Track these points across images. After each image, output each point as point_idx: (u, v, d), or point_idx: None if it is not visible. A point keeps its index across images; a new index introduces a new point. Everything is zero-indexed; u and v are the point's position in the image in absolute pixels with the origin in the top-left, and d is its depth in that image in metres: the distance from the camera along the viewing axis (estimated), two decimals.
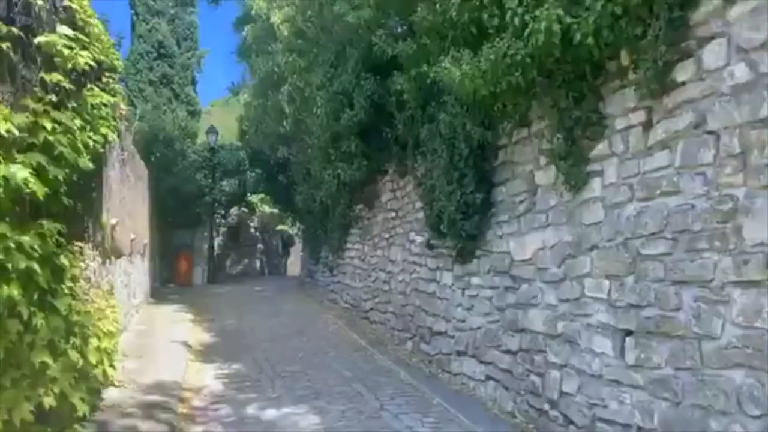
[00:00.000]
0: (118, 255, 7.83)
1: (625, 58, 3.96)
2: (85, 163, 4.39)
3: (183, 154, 16.49)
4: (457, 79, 4.30)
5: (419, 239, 7.54)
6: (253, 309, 12.33)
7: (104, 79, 5.59)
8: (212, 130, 18.09)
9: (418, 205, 7.43)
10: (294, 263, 22.85)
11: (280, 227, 23.12)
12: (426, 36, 5.39)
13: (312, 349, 8.24)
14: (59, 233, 3.92)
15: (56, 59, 4.09)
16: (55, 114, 4.01)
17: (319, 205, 11.70)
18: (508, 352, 5.31)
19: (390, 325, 8.61)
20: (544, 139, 4.80)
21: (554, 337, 4.61)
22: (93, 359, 4.92)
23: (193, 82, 19.33)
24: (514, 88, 4.23)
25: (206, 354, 7.94)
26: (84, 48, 4.49)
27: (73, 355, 4.22)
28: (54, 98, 4.00)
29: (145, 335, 8.78)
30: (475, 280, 5.98)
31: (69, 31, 4.20)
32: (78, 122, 4.27)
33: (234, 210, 20.27)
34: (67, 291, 4.09)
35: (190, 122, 18.62)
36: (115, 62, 5.71)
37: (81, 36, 4.50)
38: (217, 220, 19.57)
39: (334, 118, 8.10)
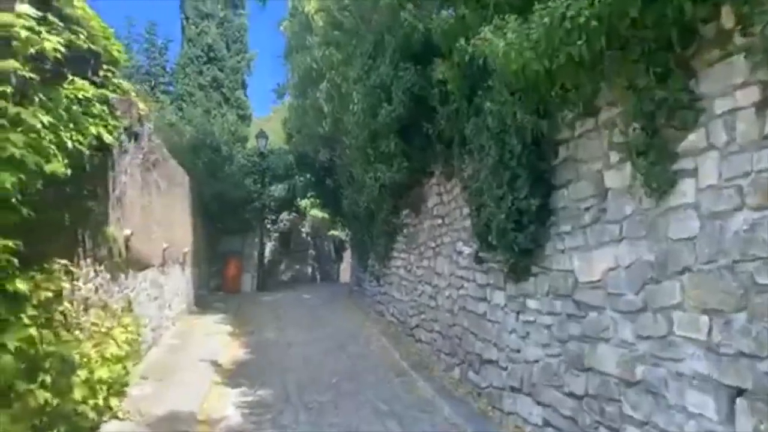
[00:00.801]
0: (141, 267, 7.27)
1: (728, 18, 2.93)
2: (58, 167, 3.71)
3: (231, 158, 16.10)
4: (500, 51, 3.36)
5: (467, 250, 6.60)
6: (296, 320, 11.68)
7: (102, 73, 4.96)
8: (262, 135, 17.67)
9: (466, 211, 6.50)
10: (346, 269, 22.20)
11: (332, 232, 22.55)
12: (464, 5, 4.46)
13: (348, 371, 7.43)
14: (13, 253, 3.26)
15: (14, 43, 3.43)
16: (11, 109, 3.36)
17: (363, 210, 10.93)
18: (571, 395, 4.29)
19: (436, 346, 7.68)
20: (616, 129, 3.78)
21: (631, 384, 3.58)
22: (79, 394, 4.27)
23: (243, 86, 19.00)
24: (576, 62, 3.25)
25: (234, 375, 7.26)
26: (57, 33, 3.84)
27: (40, 395, 3.55)
28: (9, 90, 3.34)
29: (175, 351, 8.23)
30: (531, 303, 4.99)
31: (31, 11, 3.53)
32: (47, 119, 3.60)
33: (284, 215, 19.81)
34: (27, 321, 3.42)
35: (240, 126, 18.30)
36: (115, 54, 5.08)
37: (54, 19, 3.85)
38: (268, 226, 19.15)
39: (372, 114, 7.27)
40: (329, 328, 10.74)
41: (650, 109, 3.34)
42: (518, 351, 5.21)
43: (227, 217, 16.56)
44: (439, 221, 7.85)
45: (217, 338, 9.39)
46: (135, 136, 6.67)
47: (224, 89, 18.23)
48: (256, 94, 31.61)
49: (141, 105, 6.77)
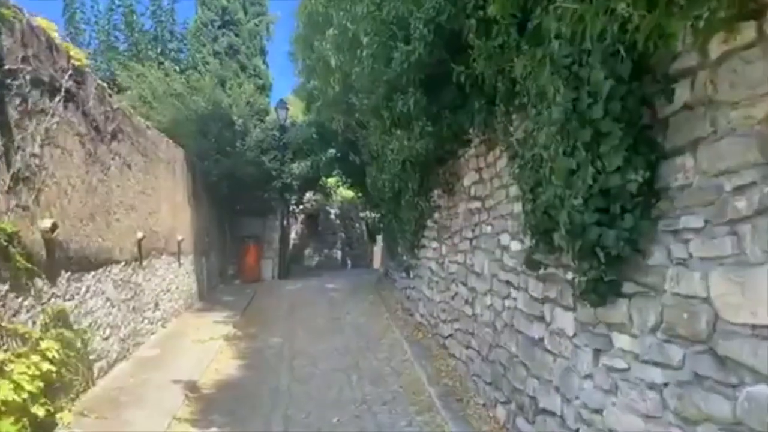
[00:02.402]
0: (89, 266, 5.65)
1: None
2: None
3: (246, 132, 14.42)
4: None
5: (516, 246, 4.72)
6: (311, 319, 10.02)
7: None
8: (281, 105, 15.94)
9: (515, 192, 4.61)
10: (380, 253, 20.48)
11: (365, 213, 20.79)
12: None
13: (357, 403, 5.68)
14: None
15: None
16: None
17: (388, 190, 9.10)
18: None
19: (473, 368, 5.86)
20: None
21: None
22: None
23: (262, 53, 17.29)
24: None
25: (209, 407, 5.60)
26: None
27: None
28: None
29: (147, 367, 6.65)
30: (622, 341, 3.08)
31: None
32: None
33: (309, 195, 18.13)
34: None
35: (258, 98, 16.59)
36: None
37: None
38: (292, 208, 17.54)
39: (385, 61, 5.39)
40: (347, 331, 9.02)
41: None
42: (598, 412, 3.32)
43: (243, 199, 15.01)
44: (478, 204, 5.98)
45: (209, 345, 7.79)
46: (67, 95, 4.98)
47: (240, 56, 16.56)
48: (280, 63, 29.70)
49: (73, 54, 5.06)
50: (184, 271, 10.10)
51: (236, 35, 16.57)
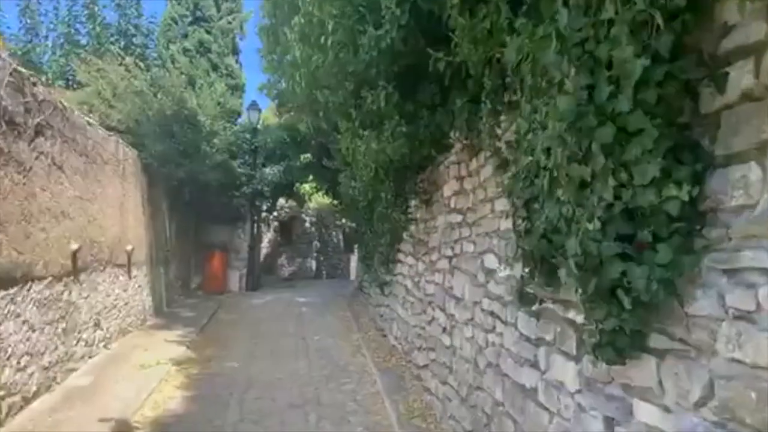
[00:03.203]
0: None
1: None
2: None
3: (213, 134, 13.49)
4: None
5: (503, 272, 3.93)
6: (275, 339, 9.15)
7: None
8: (253, 107, 15.09)
9: (501, 206, 3.84)
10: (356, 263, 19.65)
11: (342, 220, 19.95)
12: None
13: None
14: None
15: None
16: None
17: (362, 199, 8.32)
18: None
19: (450, 408, 5.06)
20: None
21: None
22: None
23: (235, 51, 16.40)
24: None
25: None
26: None
27: None
28: None
29: (73, 399, 5.73)
30: (646, 412, 2.29)
31: None
32: None
33: (282, 202, 17.25)
34: None
35: (229, 98, 15.68)
36: None
37: None
38: (264, 215, 16.64)
39: (352, 49, 4.58)
40: (313, 354, 8.16)
41: None
42: None
43: (209, 205, 14.08)
44: (459, 218, 5.21)
45: (153, 372, 6.88)
46: None
47: (212, 54, 15.65)
48: (254, 62, 28.57)
49: None
50: (136, 285, 9.16)
51: (208, 32, 15.68)
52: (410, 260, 7.39)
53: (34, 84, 5.42)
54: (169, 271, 11.75)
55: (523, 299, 3.38)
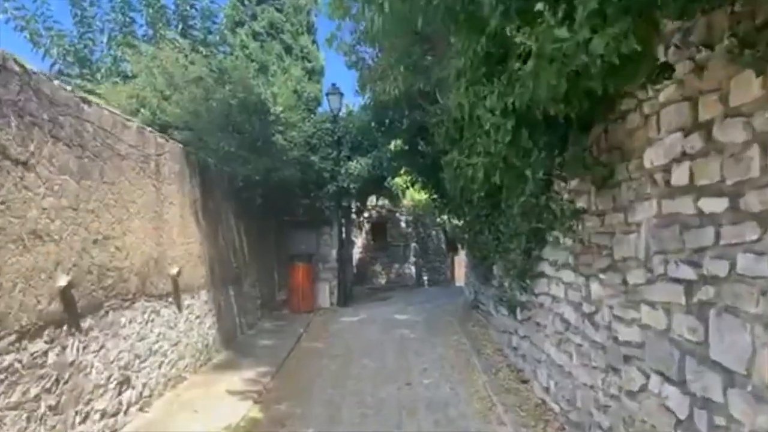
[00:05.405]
0: None
1: None
2: None
3: (289, 126, 11.35)
4: None
5: None
6: (369, 385, 6.76)
7: None
8: (334, 91, 12.85)
9: None
10: (462, 264, 16.96)
11: (442, 217, 17.32)
12: None
13: None
14: None
15: None
16: None
17: (481, 183, 5.69)
18: None
19: None
20: None
21: None
22: None
23: (310, 31, 14.28)
24: None
25: None
26: None
27: None
28: None
29: None
30: None
31: None
32: None
33: (373, 200, 14.93)
34: None
35: (307, 84, 13.58)
36: None
37: None
38: (353, 216, 14.41)
39: None
40: (423, 417, 5.65)
41: None
42: None
43: (288, 208, 12.03)
44: (713, 204, 2.51)
45: None
46: None
47: (285, 35, 13.61)
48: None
49: None
50: (190, 317, 7.11)
51: (278, 10, 13.66)
52: (567, 276, 4.72)
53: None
54: (242, 292, 9.73)
55: None
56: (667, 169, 3.05)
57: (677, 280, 2.92)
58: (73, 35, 11.63)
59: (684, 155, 2.88)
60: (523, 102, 3.12)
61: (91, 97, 5.14)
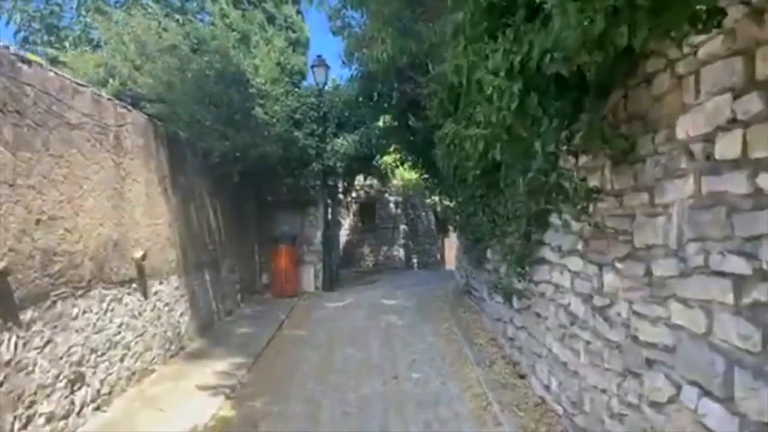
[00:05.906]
0: None
1: None
2: None
3: (271, 99, 10.66)
4: None
5: None
6: (352, 379, 6.25)
7: None
8: (320, 63, 12.17)
9: None
10: (453, 246, 16.44)
11: (433, 198, 16.74)
12: None
13: None
14: None
15: None
16: None
17: (478, 158, 5.10)
18: None
19: None
20: None
21: None
22: None
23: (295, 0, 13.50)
24: None
25: None
26: None
27: None
28: None
29: None
30: None
31: None
32: None
33: (361, 179, 14.34)
34: None
35: (291, 56, 12.83)
36: None
37: None
38: (339, 196, 13.81)
39: None
40: (412, 414, 5.15)
41: None
42: None
43: (270, 187, 11.43)
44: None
45: None
46: None
47: (267, 4, 12.85)
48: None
49: None
50: (158, 304, 6.53)
51: None
52: (574, 263, 4.18)
53: None
54: (220, 276, 9.16)
55: None
56: (709, 140, 2.50)
57: (722, 274, 2.38)
58: (40, 0, 10.86)
59: (734, 121, 2.33)
60: (536, 57, 2.55)
61: (54, 66, 4.49)
